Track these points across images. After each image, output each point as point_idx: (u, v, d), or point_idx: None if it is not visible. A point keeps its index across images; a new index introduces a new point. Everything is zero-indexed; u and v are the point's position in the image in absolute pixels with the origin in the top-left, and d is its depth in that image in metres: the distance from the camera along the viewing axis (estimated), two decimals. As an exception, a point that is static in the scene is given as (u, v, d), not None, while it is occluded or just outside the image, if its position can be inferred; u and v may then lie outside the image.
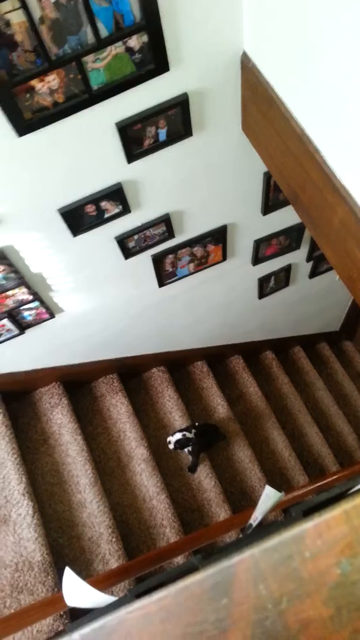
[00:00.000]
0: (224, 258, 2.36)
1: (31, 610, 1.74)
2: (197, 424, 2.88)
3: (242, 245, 2.37)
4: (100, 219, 1.73)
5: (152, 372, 3.26)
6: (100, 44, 1.19)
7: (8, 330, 2.09)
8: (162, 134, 1.52)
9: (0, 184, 1.43)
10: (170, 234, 1.99)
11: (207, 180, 1.82)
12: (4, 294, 1.84)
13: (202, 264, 2.32)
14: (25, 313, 2.05)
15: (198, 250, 2.21)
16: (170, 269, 2.25)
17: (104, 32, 1.17)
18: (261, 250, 2.46)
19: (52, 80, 1.21)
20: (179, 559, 2.30)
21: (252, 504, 2.77)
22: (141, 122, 1.44)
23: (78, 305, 2.20)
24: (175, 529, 2.54)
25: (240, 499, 2.99)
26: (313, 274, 3.03)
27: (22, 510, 2.28)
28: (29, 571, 2.15)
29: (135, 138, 1.48)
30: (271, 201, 2.08)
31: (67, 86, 1.25)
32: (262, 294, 2.97)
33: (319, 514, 0.49)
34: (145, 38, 1.23)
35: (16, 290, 1.84)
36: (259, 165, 1.76)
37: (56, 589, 2.11)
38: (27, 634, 2.03)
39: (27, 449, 2.61)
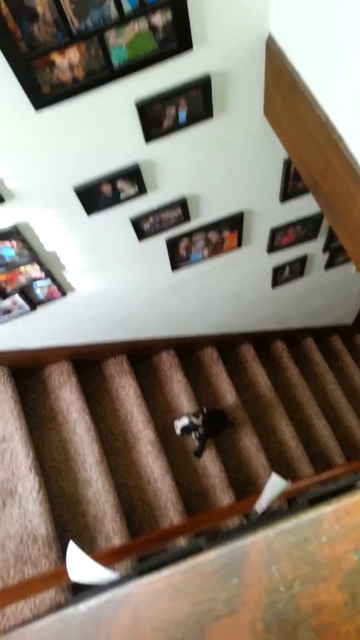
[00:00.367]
0: (239, 245, 2.33)
1: (35, 581, 1.79)
2: (205, 409, 2.88)
3: (258, 232, 2.34)
4: (115, 199, 1.72)
5: (161, 356, 3.27)
6: (123, 19, 1.17)
7: (19, 307, 2.10)
8: (182, 115, 1.50)
9: (16, 158, 1.42)
10: (185, 217, 1.97)
11: (225, 165, 1.79)
12: (16, 270, 1.85)
13: (216, 250, 2.31)
14: (37, 290, 2.06)
15: (213, 236, 2.19)
16: (184, 253, 2.24)
17: (127, 7, 1.15)
18: (277, 239, 2.43)
19: (73, 55, 1.20)
20: (182, 541, 2.33)
21: (257, 491, 2.78)
22: (161, 101, 1.42)
23: (90, 285, 2.21)
24: (179, 512, 2.57)
25: (245, 485, 3.01)
26: (329, 265, 2.99)
27: (29, 485, 2.32)
28: (33, 544, 2.19)
29: (155, 118, 1.46)
30: (290, 189, 2.05)
31: (88, 62, 1.23)
32: (275, 283, 2.94)
33: (337, 500, 0.48)
34: (169, 15, 1.20)
35: (28, 267, 1.85)
36: (279, 152, 1.73)
37: (59, 563, 2.15)
38: (30, 604, 2.08)
39: (35, 424, 2.64)
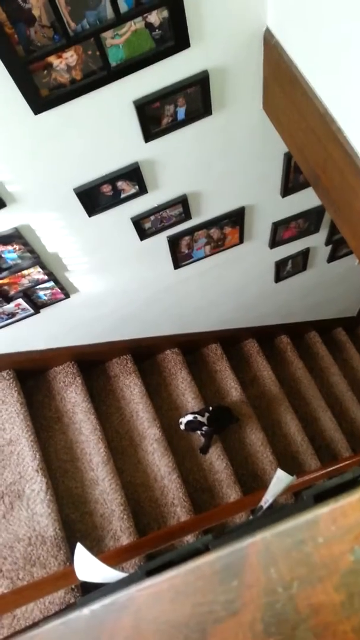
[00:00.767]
0: (241, 241, 2.33)
1: (44, 583, 1.79)
2: (210, 407, 2.88)
3: (259, 227, 2.34)
4: (116, 199, 1.71)
5: (165, 354, 3.27)
6: (120, 20, 1.16)
7: (23, 310, 2.11)
8: (181, 113, 1.49)
9: (16, 162, 1.42)
10: (187, 215, 1.96)
11: (225, 161, 1.78)
12: (19, 273, 1.85)
13: (218, 246, 2.30)
14: (41, 292, 2.06)
15: (215, 232, 2.19)
16: (186, 251, 2.24)
17: (123, 7, 1.14)
18: (279, 233, 2.43)
19: (70, 56, 1.19)
20: (189, 538, 2.34)
21: (263, 486, 2.79)
22: (160, 100, 1.41)
23: (93, 285, 2.21)
24: (186, 509, 2.58)
25: (251, 480, 3.01)
26: (332, 258, 2.98)
27: (36, 486, 2.33)
28: (42, 545, 2.20)
29: (153, 117, 1.46)
30: (291, 183, 2.04)
31: (85, 63, 1.22)
32: (278, 278, 2.94)
33: (334, 500, 0.49)
34: (165, 13, 1.19)
35: (31, 270, 1.85)
36: (279, 146, 1.72)
37: (68, 563, 2.16)
38: (40, 605, 2.09)
39: (42, 426, 2.65)
